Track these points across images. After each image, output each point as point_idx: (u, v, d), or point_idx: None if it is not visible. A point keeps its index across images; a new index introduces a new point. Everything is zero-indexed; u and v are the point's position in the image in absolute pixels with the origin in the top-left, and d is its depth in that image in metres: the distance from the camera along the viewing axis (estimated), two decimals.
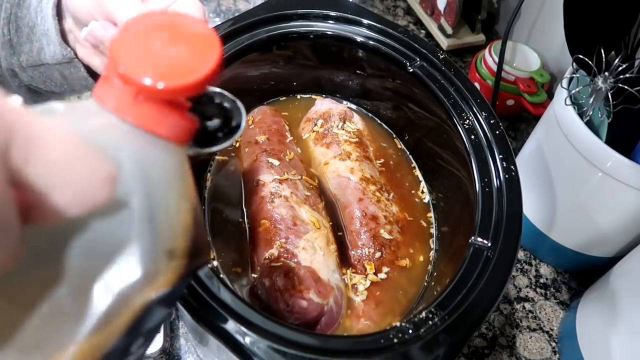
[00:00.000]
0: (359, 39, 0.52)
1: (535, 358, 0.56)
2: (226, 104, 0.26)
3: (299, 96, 0.60)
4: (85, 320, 0.18)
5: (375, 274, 0.44)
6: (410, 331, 0.33)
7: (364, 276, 0.44)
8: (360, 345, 0.33)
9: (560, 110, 0.52)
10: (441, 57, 0.50)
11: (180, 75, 0.20)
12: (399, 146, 0.57)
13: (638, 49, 0.50)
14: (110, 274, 0.18)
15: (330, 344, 0.33)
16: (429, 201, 0.52)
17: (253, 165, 0.49)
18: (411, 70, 0.50)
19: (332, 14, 0.52)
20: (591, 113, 0.50)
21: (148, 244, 0.19)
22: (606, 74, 0.48)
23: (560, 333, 0.58)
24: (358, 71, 0.56)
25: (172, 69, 0.20)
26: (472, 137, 0.45)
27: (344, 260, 0.45)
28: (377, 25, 0.52)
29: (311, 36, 0.52)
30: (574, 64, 0.52)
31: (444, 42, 0.85)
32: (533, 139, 0.61)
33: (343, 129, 0.54)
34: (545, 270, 0.63)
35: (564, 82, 0.53)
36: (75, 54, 0.40)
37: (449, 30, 0.84)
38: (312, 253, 0.43)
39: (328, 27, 0.52)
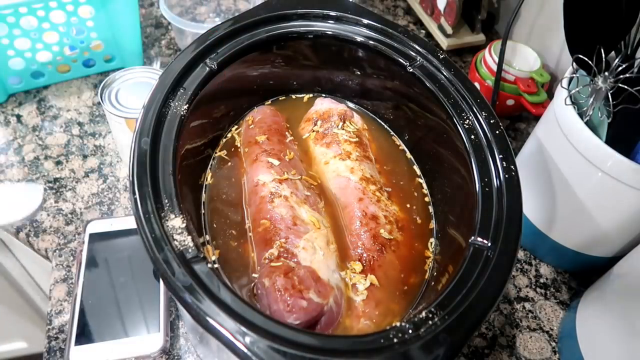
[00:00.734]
0: (359, 38, 0.52)
1: (535, 358, 0.56)
2: None
3: (299, 96, 0.60)
4: None
5: (375, 273, 0.44)
6: (410, 331, 0.33)
7: (364, 276, 0.44)
8: (360, 345, 0.33)
9: (560, 110, 0.52)
10: (441, 57, 0.50)
11: None
12: (399, 146, 0.57)
13: (638, 49, 0.50)
14: None
15: (330, 343, 0.33)
16: (429, 201, 0.52)
17: (253, 165, 0.49)
18: (411, 70, 0.50)
19: (332, 13, 0.52)
20: (591, 113, 0.50)
21: None
22: (606, 74, 0.48)
23: (560, 333, 0.58)
24: (358, 71, 0.56)
25: None
26: (472, 137, 0.45)
27: (344, 260, 0.45)
28: (377, 25, 0.52)
29: (311, 36, 0.52)
30: (574, 64, 0.52)
31: (444, 42, 0.85)
32: (533, 139, 0.61)
33: (343, 129, 0.54)
34: (545, 270, 0.63)
35: (564, 82, 0.53)
36: None
37: (449, 30, 0.84)
38: (312, 253, 0.43)
39: (328, 27, 0.52)
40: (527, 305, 0.60)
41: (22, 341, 1.13)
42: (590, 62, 0.48)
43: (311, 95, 0.60)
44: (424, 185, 0.53)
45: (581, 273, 0.63)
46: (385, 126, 0.58)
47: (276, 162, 0.49)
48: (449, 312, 0.35)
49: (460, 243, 0.42)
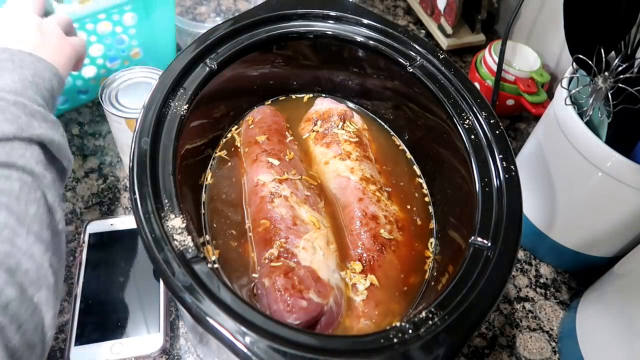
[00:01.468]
0: (359, 38, 0.52)
1: (535, 358, 0.56)
2: None
3: (299, 96, 0.60)
4: None
5: (376, 273, 0.44)
6: (410, 331, 0.33)
7: (364, 276, 0.44)
8: (360, 345, 0.33)
9: (560, 110, 0.52)
10: (441, 57, 0.50)
11: None
12: (399, 146, 0.57)
13: (638, 49, 0.50)
14: None
15: (330, 343, 0.33)
16: (429, 201, 0.52)
17: (253, 165, 0.49)
18: (411, 70, 0.50)
19: (332, 13, 0.52)
20: (591, 113, 0.50)
21: None
22: (606, 74, 0.48)
23: (560, 333, 0.58)
24: (358, 71, 0.56)
25: None
26: (472, 137, 0.45)
27: (344, 260, 0.45)
28: (377, 25, 0.52)
29: (311, 36, 0.52)
30: (574, 64, 0.52)
31: (444, 42, 0.85)
32: (533, 139, 0.61)
33: (343, 129, 0.54)
34: (545, 270, 0.63)
35: (564, 82, 0.53)
36: None
37: (449, 30, 0.84)
38: (312, 253, 0.43)
39: (328, 27, 0.52)
40: (527, 305, 0.60)
41: None
42: (590, 62, 0.48)
43: (311, 95, 0.60)
44: (424, 185, 0.53)
45: (581, 273, 0.63)
46: (385, 126, 0.58)
47: (276, 162, 0.49)
48: (449, 312, 0.35)
49: (460, 243, 0.42)
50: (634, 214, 0.52)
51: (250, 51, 0.50)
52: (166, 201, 0.38)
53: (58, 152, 0.42)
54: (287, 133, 0.54)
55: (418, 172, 0.54)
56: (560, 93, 0.53)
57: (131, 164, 0.39)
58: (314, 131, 0.55)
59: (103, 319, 0.51)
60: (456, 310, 0.35)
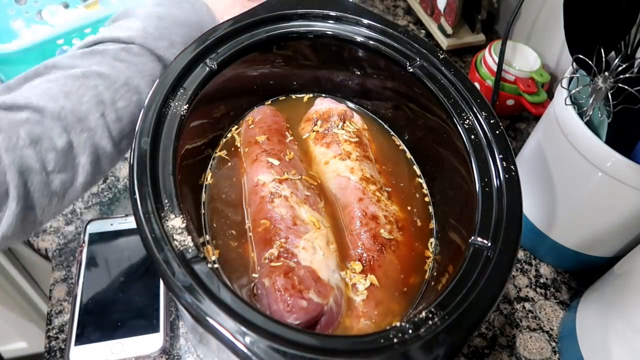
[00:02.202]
0: (359, 38, 0.52)
1: (535, 358, 0.56)
2: None
3: (299, 96, 0.60)
4: None
5: (375, 273, 0.44)
6: (410, 331, 0.33)
7: (364, 276, 0.44)
8: (360, 345, 0.33)
9: (560, 110, 0.52)
10: (441, 57, 0.50)
11: None
12: (399, 146, 0.57)
13: (638, 49, 0.50)
14: None
15: (330, 343, 0.33)
16: (429, 201, 0.52)
17: (253, 165, 0.49)
18: (411, 70, 0.50)
19: (332, 13, 0.52)
20: (591, 113, 0.50)
21: None
22: (606, 74, 0.48)
23: (560, 333, 0.58)
24: (358, 71, 0.56)
25: None
26: (472, 137, 0.45)
27: (344, 260, 0.45)
28: (377, 25, 0.52)
29: (311, 36, 0.52)
30: (574, 64, 0.52)
31: (444, 42, 0.85)
32: (533, 139, 0.61)
33: (343, 129, 0.54)
34: (545, 270, 0.63)
35: (564, 82, 0.53)
36: None
37: (449, 30, 0.84)
38: (312, 253, 0.43)
39: (328, 27, 0.52)
40: (527, 305, 0.60)
41: (22, 341, 1.13)
42: (590, 62, 0.48)
43: (311, 95, 0.60)
44: (424, 185, 0.53)
45: (581, 273, 0.63)
46: (385, 126, 0.58)
47: (276, 162, 0.49)
48: (449, 312, 0.35)
49: (460, 243, 0.42)
50: (634, 214, 0.52)
51: (250, 51, 0.50)
52: (166, 201, 0.38)
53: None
54: (287, 133, 0.54)
55: (418, 172, 0.54)
56: (560, 93, 0.53)
57: (131, 164, 0.39)
58: (314, 131, 0.55)
59: (103, 319, 0.51)
60: (456, 310, 0.35)
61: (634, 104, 0.47)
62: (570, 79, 0.54)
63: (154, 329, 0.50)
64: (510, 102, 0.74)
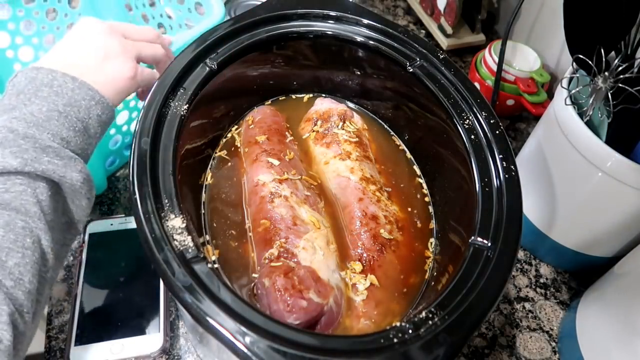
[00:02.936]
0: (359, 38, 0.52)
1: (535, 358, 0.56)
2: None
3: (299, 96, 0.60)
4: None
5: (375, 273, 0.44)
6: (410, 331, 0.33)
7: (364, 276, 0.44)
8: (360, 345, 0.33)
9: (560, 110, 0.52)
10: (441, 57, 0.50)
11: None
12: (399, 146, 0.57)
13: (638, 49, 0.50)
14: None
15: (330, 343, 0.33)
16: (429, 201, 0.52)
17: (253, 165, 0.49)
18: (411, 70, 0.50)
19: (332, 13, 0.52)
20: (591, 113, 0.50)
21: None
22: (606, 74, 0.48)
23: (560, 333, 0.58)
24: (358, 71, 0.56)
25: None
26: (472, 137, 0.45)
27: (344, 260, 0.45)
28: (377, 25, 0.52)
29: (311, 36, 0.52)
30: (574, 64, 0.52)
31: (444, 42, 0.85)
32: (533, 139, 0.61)
33: (343, 129, 0.54)
34: (545, 270, 0.63)
35: (564, 82, 0.53)
36: None
37: (449, 30, 0.84)
38: (312, 253, 0.43)
39: (328, 27, 0.52)
40: (527, 305, 0.60)
41: None
42: (590, 62, 0.48)
43: (311, 95, 0.60)
44: (424, 185, 0.53)
45: (581, 273, 0.63)
46: (385, 126, 0.58)
47: (276, 162, 0.49)
48: (449, 312, 0.35)
49: (460, 243, 0.42)
50: (634, 214, 0.52)
51: (250, 51, 0.50)
52: (166, 201, 0.38)
53: (72, 192, 0.40)
54: (287, 133, 0.54)
55: (418, 172, 0.54)
56: (560, 93, 0.53)
57: (131, 164, 0.39)
58: (314, 131, 0.55)
59: (103, 319, 0.51)
60: (456, 310, 0.35)
61: (634, 104, 0.47)
62: (570, 79, 0.54)
63: (154, 329, 0.50)
64: (510, 102, 0.74)
